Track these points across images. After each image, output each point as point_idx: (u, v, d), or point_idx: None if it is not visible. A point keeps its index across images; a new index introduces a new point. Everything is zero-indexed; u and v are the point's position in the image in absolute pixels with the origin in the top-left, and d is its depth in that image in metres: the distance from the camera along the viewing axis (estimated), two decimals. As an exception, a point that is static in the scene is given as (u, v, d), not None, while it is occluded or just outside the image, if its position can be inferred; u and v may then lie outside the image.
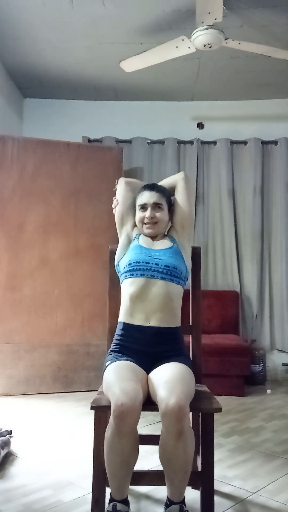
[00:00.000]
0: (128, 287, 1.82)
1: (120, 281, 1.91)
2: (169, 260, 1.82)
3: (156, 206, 1.90)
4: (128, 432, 1.47)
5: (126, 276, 1.84)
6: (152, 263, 1.81)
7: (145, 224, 1.90)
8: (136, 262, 1.81)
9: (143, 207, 1.91)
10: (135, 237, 1.95)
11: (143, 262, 1.81)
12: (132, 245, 1.92)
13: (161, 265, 1.80)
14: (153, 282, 1.78)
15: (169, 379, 1.55)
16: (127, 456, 1.52)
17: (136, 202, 1.95)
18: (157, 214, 1.89)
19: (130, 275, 1.82)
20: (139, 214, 1.93)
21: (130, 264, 1.83)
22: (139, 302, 1.78)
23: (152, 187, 1.96)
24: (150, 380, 1.66)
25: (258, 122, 4.63)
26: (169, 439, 1.46)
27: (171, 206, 1.98)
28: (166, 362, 1.69)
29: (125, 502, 1.60)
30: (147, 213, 1.89)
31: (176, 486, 1.53)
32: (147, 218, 1.89)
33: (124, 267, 1.86)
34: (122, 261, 1.89)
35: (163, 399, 1.46)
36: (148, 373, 1.70)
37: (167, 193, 1.97)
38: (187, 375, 1.62)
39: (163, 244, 1.90)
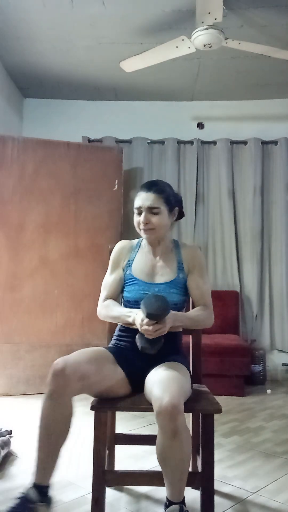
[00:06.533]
0: (127, 295, 1.83)
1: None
2: (170, 297, 1.73)
3: (151, 210, 1.77)
4: (58, 396, 1.52)
5: (125, 297, 1.84)
6: None
7: (141, 229, 1.81)
8: (135, 301, 1.76)
9: (138, 211, 1.80)
10: (129, 261, 1.86)
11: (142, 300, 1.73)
12: (128, 275, 1.84)
13: None
14: None
15: (163, 378, 1.54)
16: (52, 425, 1.55)
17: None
18: (153, 219, 1.77)
19: (128, 302, 1.82)
20: (135, 217, 1.82)
21: (128, 301, 1.81)
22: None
23: (149, 187, 1.80)
24: (146, 381, 1.65)
25: (258, 122, 4.63)
26: (164, 438, 1.46)
27: (174, 207, 1.85)
28: (163, 362, 1.68)
29: (43, 490, 1.55)
30: (141, 218, 1.78)
31: (175, 486, 1.52)
32: (142, 223, 1.78)
33: (124, 297, 1.85)
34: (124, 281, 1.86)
35: (157, 399, 1.45)
36: (146, 374, 1.69)
37: (167, 194, 1.81)
38: (181, 374, 1.61)
39: (166, 273, 1.81)
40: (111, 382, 1.67)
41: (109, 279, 1.90)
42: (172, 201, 1.83)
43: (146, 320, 1.59)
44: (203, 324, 1.81)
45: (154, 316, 1.58)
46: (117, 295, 1.90)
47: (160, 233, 1.82)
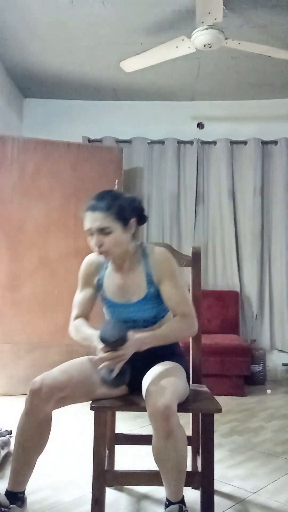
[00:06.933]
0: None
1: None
2: (146, 313, 1.72)
3: (102, 231, 1.61)
4: (35, 414, 1.56)
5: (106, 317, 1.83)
6: (130, 321, 1.72)
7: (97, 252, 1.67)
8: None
9: (89, 233, 1.65)
10: (100, 281, 1.79)
11: (120, 321, 1.71)
12: (101, 295, 1.80)
13: (140, 321, 1.71)
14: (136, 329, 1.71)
15: (155, 379, 1.54)
16: (29, 440, 1.59)
17: None
18: (106, 240, 1.62)
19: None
20: (88, 239, 1.67)
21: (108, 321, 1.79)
22: None
23: (94, 206, 1.63)
24: (142, 383, 1.64)
25: (258, 122, 4.63)
26: (159, 439, 1.45)
27: (129, 219, 1.67)
28: (158, 363, 1.67)
29: (16, 495, 1.61)
30: (93, 241, 1.63)
31: (172, 486, 1.53)
32: (95, 246, 1.64)
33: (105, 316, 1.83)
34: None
35: (149, 400, 1.46)
36: (142, 376, 1.67)
37: (116, 208, 1.62)
38: (175, 374, 1.60)
39: (136, 291, 1.71)
40: (97, 388, 1.65)
41: (79, 297, 1.85)
42: (125, 213, 1.65)
43: (101, 346, 1.52)
44: (182, 335, 1.71)
45: (107, 343, 1.50)
46: (88, 313, 1.86)
47: (118, 252, 1.68)
